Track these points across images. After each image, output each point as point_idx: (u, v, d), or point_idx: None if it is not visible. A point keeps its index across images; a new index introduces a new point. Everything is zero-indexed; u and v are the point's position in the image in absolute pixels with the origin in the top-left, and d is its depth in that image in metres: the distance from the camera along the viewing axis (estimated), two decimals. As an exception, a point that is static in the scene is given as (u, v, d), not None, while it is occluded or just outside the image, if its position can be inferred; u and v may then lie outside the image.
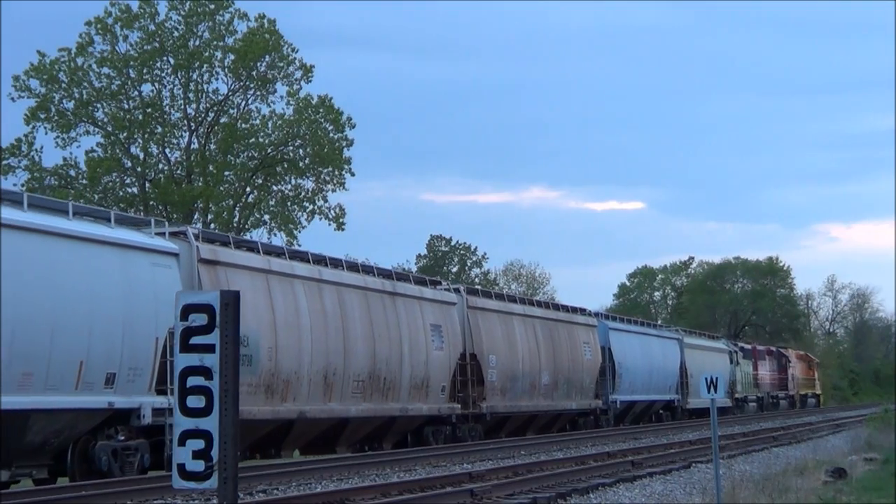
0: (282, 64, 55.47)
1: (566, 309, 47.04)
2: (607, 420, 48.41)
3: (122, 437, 22.18)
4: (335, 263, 31.29)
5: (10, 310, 19.41)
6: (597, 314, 51.98)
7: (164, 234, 24.57)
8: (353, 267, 32.25)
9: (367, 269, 32.91)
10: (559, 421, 45.23)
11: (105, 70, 53.74)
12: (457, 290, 37.72)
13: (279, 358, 27.03)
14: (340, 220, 56.70)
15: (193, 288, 24.05)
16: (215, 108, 55.83)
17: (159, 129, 55.10)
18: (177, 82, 55.01)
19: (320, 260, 30.48)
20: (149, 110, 54.43)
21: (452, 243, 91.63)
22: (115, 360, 21.73)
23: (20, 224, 20.04)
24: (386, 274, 34.07)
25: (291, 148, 56.43)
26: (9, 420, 19.52)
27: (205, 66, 54.97)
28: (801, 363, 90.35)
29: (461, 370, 36.22)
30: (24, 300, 19.69)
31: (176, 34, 54.55)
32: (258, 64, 55.11)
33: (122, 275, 22.22)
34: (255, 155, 56.18)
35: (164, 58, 54.44)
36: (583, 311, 49.18)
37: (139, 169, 55.10)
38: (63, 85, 53.30)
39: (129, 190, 55.71)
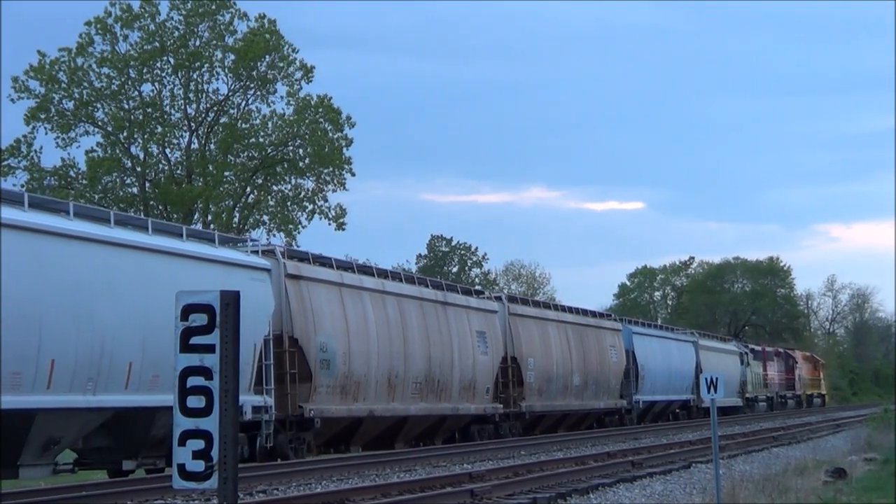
0: (282, 64, 55.48)
1: (594, 314, 50.02)
2: (631, 419, 50.98)
3: None
4: (395, 276, 34.56)
5: (142, 320, 22.04)
6: (621, 319, 54.56)
7: (257, 251, 27.45)
8: (409, 279, 35.38)
9: (422, 281, 36.09)
10: (587, 420, 47.77)
11: (105, 70, 53.76)
12: (498, 299, 40.75)
13: (352, 362, 30.02)
14: (340, 219, 56.73)
15: (282, 300, 27.57)
16: (215, 108, 55.83)
17: (159, 129, 55.10)
18: (177, 82, 55.04)
19: (383, 273, 33.76)
20: (149, 110, 54.43)
21: (452, 243, 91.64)
22: None
23: (150, 247, 22.87)
24: (437, 285, 37.02)
25: (291, 148, 56.44)
26: (140, 416, 22.34)
27: (205, 66, 54.97)
28: (808, 364, 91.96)
29: (503, 372, 39.23)
30: (152, 311, 22.08)
31: (176, 34, 54.55)
32: (258, 64, 55.11)
33: (227, 288, 23.16)
34: (255, 155, 56.19)
35: (165, 58, 54.44)
36: (609, 316, 52.80)
37: (139, 169, 55.11)
38: (63, 85, 53.30)
39: (130, 190, 55.76)
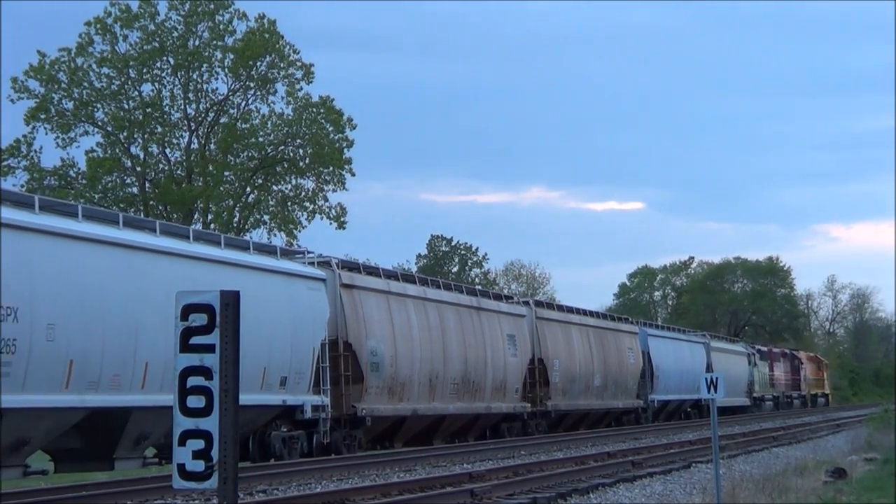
0: (282, 64, 55.46)
1: (612, 318, 53.06)
2: (646, 417, 53.38)
3: (285, 429, 27.40)
4: (435, 284, 36.91)
5: None
6: (637, 321, 57.87)
7: (313, 263, 29.78)
8: (447, 286, 37.88)
9: (458, 288, 38.94)
10: (606, 418, 50.19)
11: (105, 70, 53.78)
12: (526, 303, 43.33)
13: (398, 365, 32.33)
14: (341, 218, 56.72)
15: (335, 309, 29.57)
16: (215, 108, 55.83)
17: (159, 129, 55.10)
18: (177, 82, 55.03)
19: (423, 281, 36.34)
20: (149, 110, 54.43)
21: (452, 243, 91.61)
22: (286, 366, 26.85)
23: (224, 259, 25.34)
24: (472, 291, 39.65)
25: (291, 148, 56.44)
26: None
27: (204, 65, 54.97)
28: (812, 364, 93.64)
29: (530, 373, 41.45)
30: None
31: (176, 34, 54.55)
32: (258, 64, 55.11)
33: (289, 297, 27.35)
34: (255, 155, 56.19)
35: (164, 58, 54.44)
36: (626, 319, 55.57)
37: (139, 169, 55.11)
38: (63, 85, 53.30)
39: (130, 190, 55.75)
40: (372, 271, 33.48)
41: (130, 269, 22.27)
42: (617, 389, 49.35)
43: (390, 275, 34.53)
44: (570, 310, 48.18)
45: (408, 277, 35.67)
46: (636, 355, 51.85)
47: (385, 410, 31.61)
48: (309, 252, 30.77)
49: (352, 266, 32.44)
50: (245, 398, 24.21)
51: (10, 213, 20.03)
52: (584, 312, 49.18)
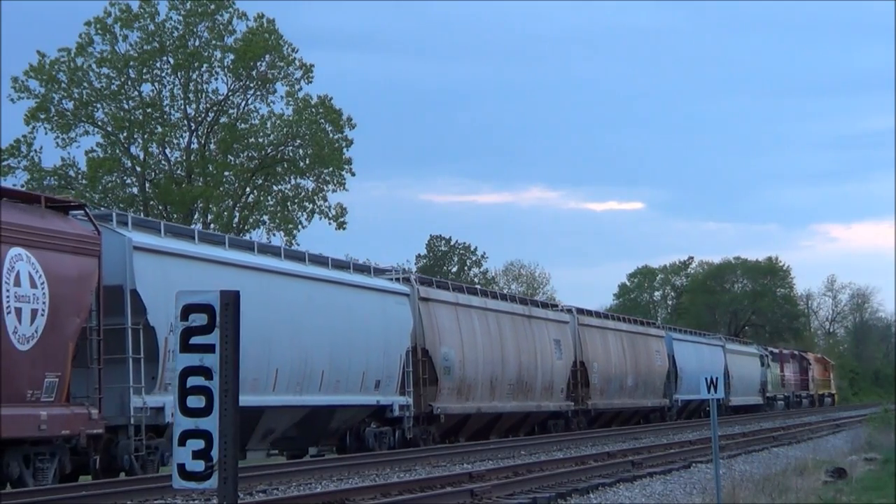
0: (282, 64, 55.43)
1: (642, 322, 58.24)
2: (671, 415, 57.58)
3: (375, 425, 31.42)
4: (493, 295, 41.61)
5: (329, 336, 28.73)
6: (662, 326, 62.24)
7: (398, 279, 34.23)
8: (503, 297, 42.76)
9: (512, 298, 43.86)
10: (635, 416, 54.12)
11: (105, 70, 53.72)
12: (569, 311, 47.04)
13: (465, 368, 36.18)
14: (341, 219, 56.69)
15: (415, 320, 33.56)
16: (215, 108, 55.79)
17: (159, 129, 55.06)
18: (177, 82, 54.97)
19: (484, 293, 40.91)
20: (149, 110, 54.39)
21: (452, 243, 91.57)
22: (380, 371, 31.30)
23: (331, 279, 29.53)
24: (523, 300, 44.31)
25: (291, 148, 56.40)
26: (324, 412, 29.15)
27: (204, 66, 54.93)
28: (819, 365, 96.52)
29: (573, 375, 45.32)
30: (335, 329, 28.95)
31: (175, 34, 54.51)
32: (258, 64, 55.08)
33: (381, 310, 31.67)
34: (255, 155, 56.15)
35: (164, 58, 54.40)
36: (653, 324, 60.74)
37: (139, 169, 55.08)
38: (63, 85, 53.27)
39: (130, 190, 55.72)
40: (441, 285, 37.72)
41: (263, 289, 26.15)
42: (646, 389, 53.34)
43: (457, 287, 38.74)
44: (607, 316, 52.81)
45: (471, 290, 39.96)
46: (662, 358, 55.74)
47: (455, 409, 35.56)
48: (395, 269, 35.63)
49: (425, 281, 36.72)
50: (348, 399, 29.95)
51: (179, 245, 24.38)
52: (619, 318, 53.87)
